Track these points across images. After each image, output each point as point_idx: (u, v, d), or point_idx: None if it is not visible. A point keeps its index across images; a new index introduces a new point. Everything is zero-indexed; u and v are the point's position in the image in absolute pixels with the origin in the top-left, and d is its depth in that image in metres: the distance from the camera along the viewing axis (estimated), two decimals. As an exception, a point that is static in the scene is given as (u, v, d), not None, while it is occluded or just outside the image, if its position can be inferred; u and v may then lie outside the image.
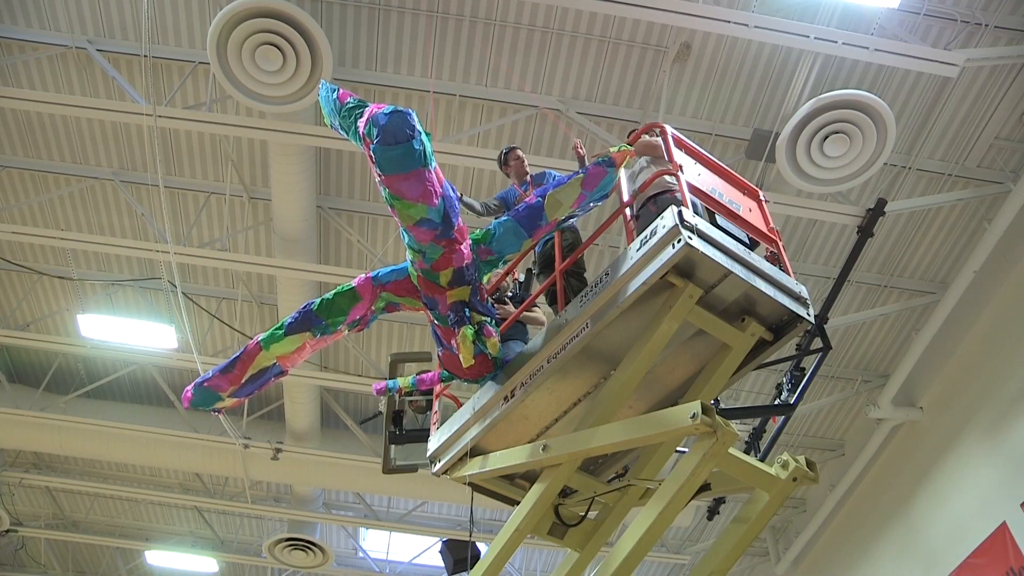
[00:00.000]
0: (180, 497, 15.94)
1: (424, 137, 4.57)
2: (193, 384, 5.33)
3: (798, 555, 14.47)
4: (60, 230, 11.79)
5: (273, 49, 8.67)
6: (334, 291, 5.21)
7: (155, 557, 17.39)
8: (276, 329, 5.18)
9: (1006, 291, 10.63)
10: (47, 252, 12.46)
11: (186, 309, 11.04)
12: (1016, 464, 9.98)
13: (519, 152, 7.05)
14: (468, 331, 4.90)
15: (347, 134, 4.94)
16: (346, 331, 5.28)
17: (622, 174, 5.58)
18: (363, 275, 5.27)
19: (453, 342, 5.03)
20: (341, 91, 5.00)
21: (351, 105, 4.82)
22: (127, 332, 12.54)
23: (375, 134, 4.48)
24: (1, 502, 15.82)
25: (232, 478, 15.10)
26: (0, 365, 13.77)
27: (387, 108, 4.54)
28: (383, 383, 6.61)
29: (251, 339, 5.27)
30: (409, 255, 5.03)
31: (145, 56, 9.17)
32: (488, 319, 5.09)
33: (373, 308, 5.25)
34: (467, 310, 5.00)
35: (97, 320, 12.56)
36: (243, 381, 5.23)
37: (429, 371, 6.18)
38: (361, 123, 4.62)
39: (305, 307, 5.19)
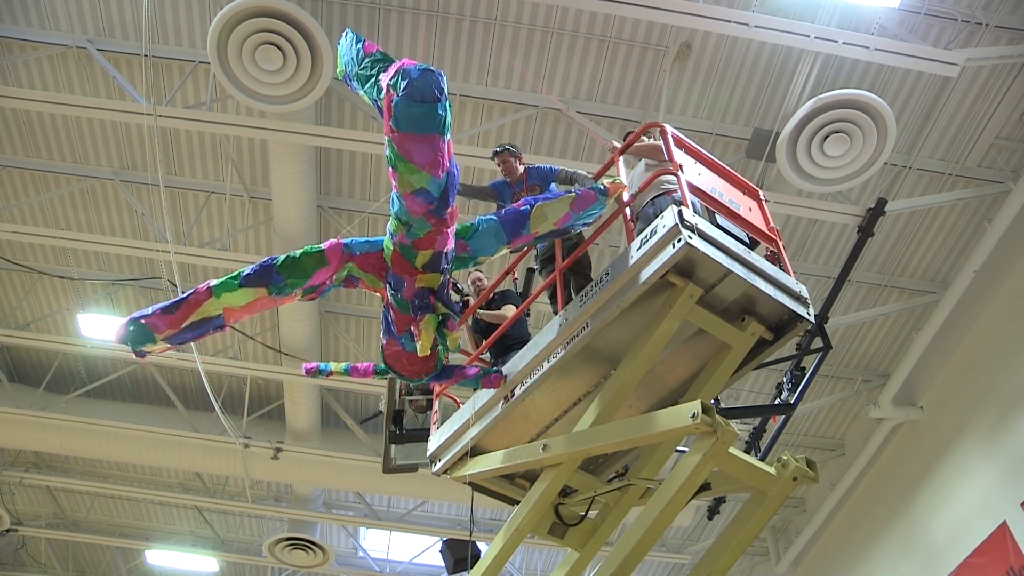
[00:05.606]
0: (180, 497, 15.95)
1: (448, 105, 4.29)
2: (128, 318, 4.82)
3: (798, 555, 14.47)
4: (60, 230, 11.80)
5: (273, 49, 8.67)
6: (301, 250, 4.90)
7: (155, 556, 17.41)
8: (231, 278, 4.79)
9: (1006, 291, 10.63)
10: (47, 252, 12.46)
11: (186, 309, 11.01)
12: (1016, 464, 9.98)
13: (506, 156, 6.66)
14: (432, 319, 4.72)
15: (361, 87, 4.62)
16: (299, 296, 4.97)
17: (623, 174, 5.60)
18: (334, 240, 5.03)
19: (413, 328, 4.82)
20: (368, 42, 4.68)
21: (377, 57, 4.54)
22: (127, 332, 12.52)
23: (402, 87, 4.17)
24: (1, 501, 15.84)
25: (232, 478, 15.10)
26: (0, 365, 13.79)
27: (420, 64, 4.26)
28: (314, 364, 6.58)
29: (203, 287, 4.79)
30: (391, 226, 4.78)
31: (145, 56, 9.17)
32: (452, 315, 4.88)
33: (334, 277, 4.99)
34: (432, 298, 4.80)
35: (97, 319, 12.55)
36: (183, 326, 4.80)
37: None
38: (386, 74, 4.32)
39: (267, 261, 4.85)
